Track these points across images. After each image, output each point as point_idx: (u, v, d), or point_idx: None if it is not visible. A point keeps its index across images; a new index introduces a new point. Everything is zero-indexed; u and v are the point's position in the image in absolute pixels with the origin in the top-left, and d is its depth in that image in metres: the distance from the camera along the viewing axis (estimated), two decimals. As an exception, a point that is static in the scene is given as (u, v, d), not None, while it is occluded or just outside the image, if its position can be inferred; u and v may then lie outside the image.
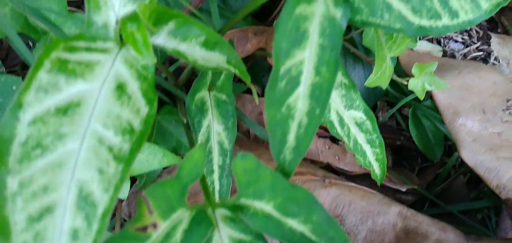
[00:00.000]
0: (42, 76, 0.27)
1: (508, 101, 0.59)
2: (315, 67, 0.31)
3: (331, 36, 0.32)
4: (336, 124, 0.48)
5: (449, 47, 0.78)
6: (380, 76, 0.49)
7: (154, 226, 0.27)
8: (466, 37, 0.80)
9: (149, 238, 0.27)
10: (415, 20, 0.36)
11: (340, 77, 0.49)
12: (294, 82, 0.31)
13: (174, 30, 0.35)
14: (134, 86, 0.31)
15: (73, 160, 0.27)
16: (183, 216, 0.29)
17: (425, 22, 0.37)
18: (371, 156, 0.51)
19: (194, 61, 0.35)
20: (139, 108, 0.30)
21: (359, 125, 0.50)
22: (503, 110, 0.58)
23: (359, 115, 0.50)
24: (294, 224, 0.31)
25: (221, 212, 0.32)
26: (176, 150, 0.56)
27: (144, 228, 0.27)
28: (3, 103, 0.48)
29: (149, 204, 0.28)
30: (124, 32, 0.31)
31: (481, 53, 0.78)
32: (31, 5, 0.45)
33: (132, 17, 0.31)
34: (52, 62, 0.28)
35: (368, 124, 0.50)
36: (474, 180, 0.63)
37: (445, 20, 0.38)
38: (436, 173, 0.65)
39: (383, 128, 0.69)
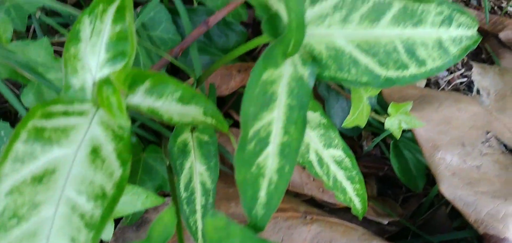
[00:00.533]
0: (19, 147, 0.29)
1: (487, 133, 0.60)
2: (283, 127, 0.33)
3: (299, 95, 0.34)
4: (315, 164, 0.49)
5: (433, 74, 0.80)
6: (357, 117, 0.50)
7: (126, 289, 0.29)
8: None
9: None
10: (382, 72, 0.38)
11: (318, 117, 0.50)
12: (263, 143, 0.32)
13: (150, 89, 0.36)
14: (109, 148, 0.32)
15: (47, 229, 0.28)
16: (155, 276, 0.30)
17: (392, 73, 0.38)
18: (352, 192, 0.52)
19: (169, 118, 0.36)
20: (112, 171, 0.31)
21: (338, 163, 0.51)
22: (483, 142, 0.59)
23: (338, 153, 0.51)
24: (265, 279, 0.32)
25: (194, 268, 0.33)
26: (162, 187, 0.57)
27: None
28: (-9, 149, 0.50)
29: (121, 267, 0.29)
30: (99, 96, 0.32)
31: (465, 79, 0.79)
32: (19, 56, 0.46)
33: (107, 81, 0.33)
34: (28, 131, 0.29)
35: (347, 162, 0.51)
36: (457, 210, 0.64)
37: (413, 70, 0.39)
38: (420, 203, 0.66)
39: (368, 157, 0.70)
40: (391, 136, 0.67)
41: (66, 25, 0.65)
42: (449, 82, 0.79)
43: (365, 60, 0.37)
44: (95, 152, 0.32)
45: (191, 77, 0.52)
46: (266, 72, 0.31)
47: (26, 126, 0.29)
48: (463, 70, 0.80)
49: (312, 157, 0.50)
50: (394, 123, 0.51)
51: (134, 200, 0.48)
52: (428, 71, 0.40)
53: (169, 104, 0.37)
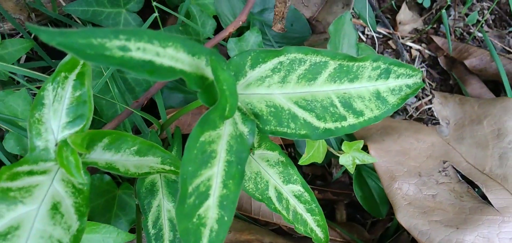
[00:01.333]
0: (-16, 208, 0.33)
1: (444, 163, 0.64)
2: (222, 181, 0.37)
3: (238, 152, 0.38)
4: (274, 200, 0.53)
5: (402, 101, 0.83)
6: (313, 155, 0.54)
7: None
8: (419, 91, 0.85)
9: None
10: (320, 125, 0.42)
11: (277, 156, 0.54)
12: (203, 196, 0.36)
13: (108, 145, 0.40)
14: (68, 203, 0.36)
15: (8, 281, 0.32)
16: None
17: (330, 125, 0.42)
18: (313, 223, 0.56)
19: (126, 171, 0.40)
20: (70, 225, 0.35)
21: (297, 197, 0.55)
22: (439, 171, 0.63)
23: (297, 188, 0.55)
24: None
25: None
26: (136, 221, 0.61)
27: None
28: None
29: None
30: (59, 157, 0.37)
31: (432, 105, 0.83)
32: (0, 107, 0.51)
33: (66, 144, 0.37)
34: (-6, 193, 0.34)
35: (306, 196, 0.55)
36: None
37: (351, 120, 0.43)
38: (386, 227, 0.70)
39: (337, 184, 0.73)
40: (358, 166, 0.71)
41: (47, 68, 0.70)
42: (417, 109, 0.82)
43: (303, 114, 0.41)
44: (55, 208, 0.36)
45: (160, 121, 0.57)
46: (204, 135, 0.35)
47: (-8, 189, 0.34)
48: (431, 96, 0.84)
49: (272, 193, 0.53)
50: (348, 159, 0.54)
51: (106, 238, 0.52)
52: (367, 120, 0.44)
53: (126, 157, 0.41)
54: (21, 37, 0.68)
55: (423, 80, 0.86)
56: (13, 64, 0.62)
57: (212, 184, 0.36)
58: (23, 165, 0.36)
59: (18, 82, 0.65)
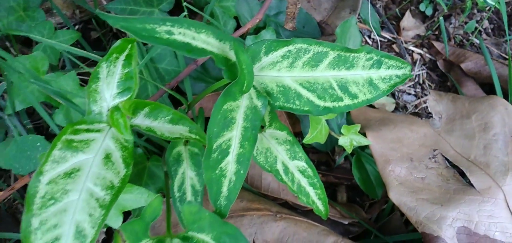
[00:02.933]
0: (56, 153, 0.43)
1: (434, 151, 0.72)
2: (240, 142, 0.46)
3: (253, 120, 0.47)
4: (281, 172, 0.62)
5: (402, 99, 0.92)
6: (316, 135, 0.63)
7: (125, 251, 0.42)
8: (419, 90, 0.93)
9: (121, 259, 0.42)
10: (321, 103, 0.51)
11: (285, 135, 0.62)
12: (224, 153, 0.45)
13: (148, 113, 0.50)
14: (117, 155, 0.46)
15: (73, 207, 0.41)
16: (146, 244, 0.44)
17: (329, 104, 0.51)
18: (314, 196, 0.64)
19: (162, 134, 0.50)
20: (119, 171, 0.45)
21: (302, 172, 0.63)
22: (430, 158, 0.71)
23: (302, 164, 0.63)
24: (225, 250, 0.45)
25: (175, 241, 0.46)
26: (162, 189, 0.70)
27: (118, 252, 0.41)
28: (30, 155, 0.64)
29: (123, 235, 0.42)
30: (111, 118, 0.46)
31: (427, 101, 0.90)
32: (53, 85, 0.61)
33: (117, 108, 0.46)
34: (62, 142, 0.43)
35: (309, 171, 0.63)
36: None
37: (346, 101, 0.52)
38: (382, 208, 0.78)
39: (340, 169, 0.82)
40: (357, 152, 0.79)
41: (88, 59, 0.80)
42: (416, 106, 0.91)
43: (306, 94, 0.50)
44: (107, 158, 0.45)
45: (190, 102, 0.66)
46: (226, 104, 0.44)
47: (61, 139, 0.43)
48: (429, 95, 0.91)
49: (279, 167, 0.62)
50: (346, 141, 0.63)
51: (139, 198, 0.61)
52: (360, 102, 0.53)
53: (162, 124, 0.50)
54: (68, 29, 0.78)
55: (424, 83, 0.94)
56: (61, 52, 0.72)
57: (232, 144, 0.46)
58: (82, 124, 0.46)
59: (63, 67, 0.76)
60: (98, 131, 0.47)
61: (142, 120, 0.49)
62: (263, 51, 0.49)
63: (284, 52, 0.49)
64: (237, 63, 0.42)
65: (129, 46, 0.49)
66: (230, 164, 0.45)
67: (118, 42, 0.49)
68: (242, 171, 0.46)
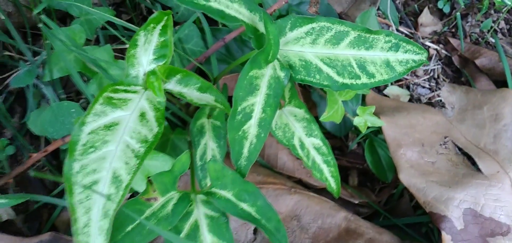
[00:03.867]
0: (97, 107, 0.47)
1: (445, 137, 0.75)
2: (262, 108, 0.50)
3: (275, 89, 0.51)
4: (298, 147, 0.65)
5: (416, 92, 0.94)
6: (332, 114, 0.66)
7: (155, 199, 0.46)
8: (433, 84, 0.96)
9: (151, 206, 0.46)
10: (339, 79, 0.54)
11: (303, 113, 0.66)
12: (247, 116, 0.49)
13: (180, 80, 0.54)
14: (151, 114, 0.50)
15: (111, 156, 0.46)
16: (174, 196, 0.48)
17: (347, 81, 0.55)
18: (328, 173, 0.68)
19: (191, 99, 0.54)
20: (152, 128, 0.49)
21: (317, 149, 0.67)
22: (440, 144, 0.74)
23: (317, 141, 0.67)
24: (245, 206, 0.49)
25: (199, 197, 0.50)
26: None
27: (149, 200, 0.46)
28: (64, 121, 0.69)
29: (153, 185, 0.47)
30: (147, 81, 0.51)
31: (441, 93, 0.93)
32: (89, 55, 0.66)
33: (153, 72, 0.51)
34: (103, 98, 0.48)
35: (324, 149, 0.67)
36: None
37: (364, 80, 0.55)
38: (391, 193, 0.81)
39: (352, 154, 0.85)
40: (370, 137, 0.82)
41: (122, 36, 0.85)
42: (429, 99, 0.93)
43: (326, 70, 0.54)
44: (142, 116, 0.50)
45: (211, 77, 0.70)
46: (252, 71, 0.48)
47: (102, 95, 0.48)
48: (443, 89, 0.94)
49: (296, 142, 0.66)
50: (361, 121, 0.66)
51: (163, 165, 0.65)
52: (377, 82, 0.56)
53: (191, 91, 0.55)
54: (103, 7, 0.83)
55: (439, 78, 0.97)
56: (96, 29, 0.77)
57: (255, 109, 0.50)
58: (121, 85, 0.51)
59: (98, 43, 0.81)
60: (134, 92, 0.51)
61: (174, 86, 0.53)
62: (289, 26, 0.53)
63: (308, 28, 0.53)
64: (266, 32, 0.46)
65: (165, 17, 0.54)
66: (252, 127, 0.49)
67: (155, 13, 0.54)
68: (263, 135, 0.50)
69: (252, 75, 0.48)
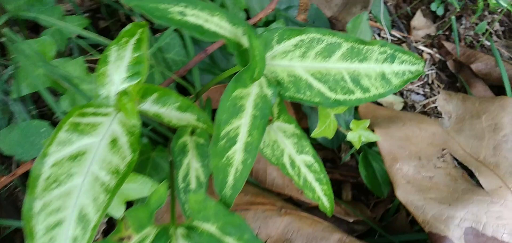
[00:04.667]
0: (61, 135, 0.42)
1: (443, 150, 0.71)
2: (248, 131, 0.45)
3: (262, 109, 0.46)
4: (288, 166, 0.61)
5: (410, 99, 0.90)
6: (324, 130, 0.62)
7: (129, 237, 0.41)
8: (427, 90, 0.92)
9: (125, 245, 0.41)
10: (332, 95, 0.50)
11: (293, 128, 0.61)
12: (232, 141, 0.44)
13: (157, 99, 0.49)
14: (123, 140, 0.45)
15: (77, 191, 0.41)
16: (150, 232, 0.43)
17: (340, 96, 0.50)
18: (320, 192, 0.63)
19: (169, 121, 0.49)
20: (125, 156, 0.44)
21: (308, 166, 0.62)
22: (438, 157, 0.70)
23: (309, 158, 0.62)
24: (231, 241, 0.44)
25: (179, 231, 0.45)
26: (167, 178, 0.69)
27: (121, 239, 0.41)
28: (34, 141, 0.64)
29: (127, 221, 0.41)
30: (119, 102, 0.45)
31: (437, 101, 0.89)
32: (59, 70, 0.60)
33: (125, 93, 0.46)
34: (68, 124, 0.43)
35: (316, 166, 0.63)
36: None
37: (358, 95, 0.51)
38: (387, 207, 0.77)
39: (345, 167, 0.81)
40: (364, 149, 0.78)
41: (96, 46, 0.79)
42: (424, 106, 0.89)
43: (317, 85, 0.49)
44: (113, 142, 0.44)
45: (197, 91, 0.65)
46: (236, 91, 0.44)
47: (67, 121, 0.43)
48: (438, 96, 0.90)
49: (286, 160, 0.61)
50: (355, 136, 0.62)
51: (142, 188, 0.60)
52: (372, 97, 0.52)
53: (170, 111, 0.50)
54: (77, 15, 0.77)
55: (433, 83, 0.93)
56: (69, 38, 0.72)
57: (240, 132, 0.45)
58: (89, 107, 0.45)
59: (71, 54, 0.75)
60: (105, 115, 0.46)
61: (150, 106, 0.48)
62: (276, 39, 0.48)
63: (297, 41, 0.48)
64: (249, 48, 0.42)
65: (140, 30, 0.49)
66: (237, 153, 0.45)
67: (129, 25, 0.49)
68: (249, 161, 0.45)
69: (236, 95, 0.44)
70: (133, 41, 0.48)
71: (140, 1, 0.35)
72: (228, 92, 0.43)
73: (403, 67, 0.53)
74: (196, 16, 0.38)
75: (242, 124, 0.45)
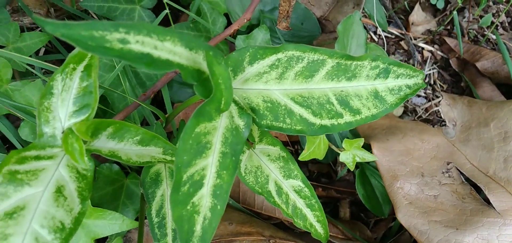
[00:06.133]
0: (-7, 188, 0.35)
1: (448, 164, 0.64)
2: (217, 171, 0.38)
3: (233, 144, 0.39)
4: (274, 193, 0.54)
5: (411, 102, 0.83)
6: (314, 151, 0.55)
7: None
8: (430, 92, 0.85)
9: None
10: (316, 121, 0.43)
11: (278, 151, 0.55)
12: (197, 185, 0.38)
13: (112, 134, 0.42)
14: (71, 187, 0.39)
15: (14, 256, 0.34)
16: None
17: (326, 122, 0.43)
18: (312, 218, 0.57)
19: (128, 159, 0.42)
20: (72, 208, 0.37)
21: (298, 192, 0.56)
22: (443, 172, 0.63)
23: (297, 183, 0.56)
24: None
25: (141, 290, 0.39)
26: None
27: None
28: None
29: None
30: (64, 144, 0.39)
31: (440, 106, 0.82)
32: (16, 97, 0.53)
33: (71, 131, 0.39)
34: (3, 175, 0.36)
35: (306, 191, 0.56)
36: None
37: (347, 118, 0.44)
38: (389, 226, 0.70)
39: (342, 182, 0.74)
40: (362, 165, 0.71)
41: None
42: (426, 110, 0.82)
43: (299, 110, 0.42)
44: (59, 191, 0.38)
45: (169, 113, 0.59)
46: (199, 126, 0.37)
47: (1, 171, 0.36)
48: (441, 98, 0.83)
49: (271, 187, 0.54)
50: (348, 157, 0.55)
51: (112, 224, 0.54)
52: (363, 119, 0.45)
53: (129, 146, 0.43)
54: (40, 31, 0.71)
55: (435, 84, 0.86)
56: (30, 56, 0.65)
57: (207, 174, 0.38)
58: (31, 150, 0.39)
59: (35, 74, 0.68)
60: (50, 158, 0.39)
61: (104, 143, 0.42)
62: (247, 60, 0.41)
63: (273, 61, 0.41)
64: (211, 77, 0.35)
65: (89, 54, 0.42)
66: (204, 198, 0.38)
67: (76, 50, 0.42)
68: (219, 206, 0.38)
69: (199, 131, 0.37)
70: (81, 67, 0.41)
71: (69, 29, 0.29)
72: (189, 128, 0.36)
73: (399, 81, 0.46)
74: (142, 43, 0.31)
75: (209, 164, 0.38)
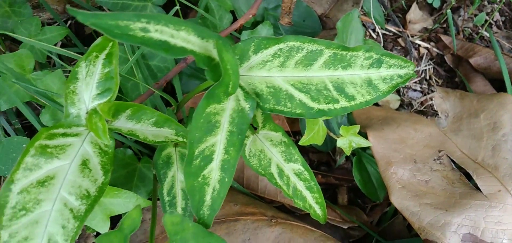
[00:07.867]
0: (28, 159, 0.40)
1: (440, 152, 0.68)
2: (224, 148, 0.43)
3: (239, 124, 0.44)
4: (276, 175, 0.59)
5: (407, 96, 0.87)
6: (313, 137, 0.59)
7: (101, 265, 0.39)
8: (425, 86, 0.89)
9: (97, 273, 0.39)
10: (314, 105, 0.47)
11: (280, 137, 0.59)
12: (207, 159, 0.42)
13: (130, 115, 0.47)
14: (95, 161, 0.43)
15: (46, 219, 0.39)
16: (124, 257, 0.41)
17: (323, 106, 0.47)
18: (311, 200, 0.61)
19: (144, 138, 0.47)
20: (96, 179, 0.42)
21: (298, 175, 0.60)
22: (434, 159, 0.67)
23: (298, 167, 0.60)
24: (209, 263, 0.42)
25: (156, 254, 0.43)
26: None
27: (93, 267, 0.39)
28: (16, 157, 0.62)
29: (99, 249, 0.40)
30: (89, 122, 0.43)
31: (433, 99, 0.86)
32: (38, 84, 0.58)
33: (96, 111, 0.44)
34: (35, 148, 0.41)
35: (306, 174, 0.60)
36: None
37: (343, 103, 0.48)
38: (384, 211, 0.74)
39: (340, 170, 0.78)
40: (359, 153, 0.76)
41: (80, 54, 0.77)
42: (422, 103, 0.86)
43: (299, 96, 0.47)
44: (84, 164, 0.42)
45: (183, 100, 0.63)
46: (209, 107, 0.41)
47: (34, 144, 0.41)
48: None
49: (273, 170, 0.59)
50: (345, 142, 0.59)
51: (127, 202, 0.58)
52: (358, 104, 0.49)
53: (146, 127, 0.48)
54: (58, 25, 0.75)
55: (431, 79, 0.90)
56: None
57: (216, 150, 0.42)
58: (59, 128, 0.43)
59: (54, 65, 0.73)
60: (75, 135, 0.44)
61: (123, 123, 0.46)
62: (252, 49, 0.45)
63: (275, 50, 0.46)
64: (220, 62, 0.39)
65: (110, 44, 0.46)
66: (214, 171, 0.42)
67: (99, 39, 0.46)
68: (227, 179, 0.43)
69: (209, 111, 0.41)
70: (103, 55, 0.45)
71: (98, 19, 0.33)
72: (200, 108, 0.41)
73: (391, 71, 0.50)
74: (161, 32, 0.36)
75: (218, 141, 0.42)
